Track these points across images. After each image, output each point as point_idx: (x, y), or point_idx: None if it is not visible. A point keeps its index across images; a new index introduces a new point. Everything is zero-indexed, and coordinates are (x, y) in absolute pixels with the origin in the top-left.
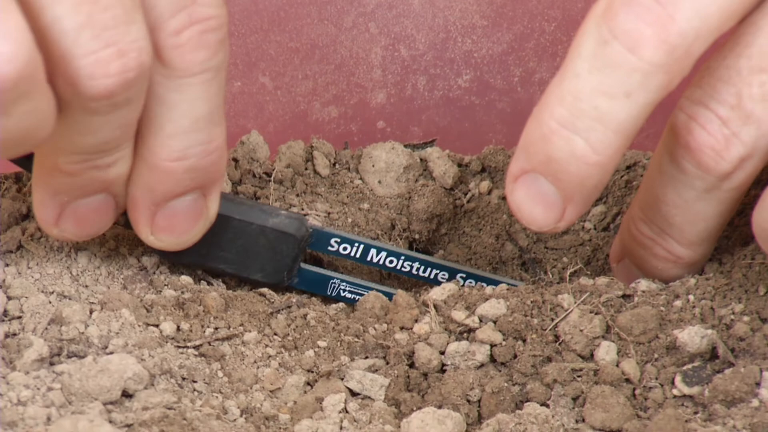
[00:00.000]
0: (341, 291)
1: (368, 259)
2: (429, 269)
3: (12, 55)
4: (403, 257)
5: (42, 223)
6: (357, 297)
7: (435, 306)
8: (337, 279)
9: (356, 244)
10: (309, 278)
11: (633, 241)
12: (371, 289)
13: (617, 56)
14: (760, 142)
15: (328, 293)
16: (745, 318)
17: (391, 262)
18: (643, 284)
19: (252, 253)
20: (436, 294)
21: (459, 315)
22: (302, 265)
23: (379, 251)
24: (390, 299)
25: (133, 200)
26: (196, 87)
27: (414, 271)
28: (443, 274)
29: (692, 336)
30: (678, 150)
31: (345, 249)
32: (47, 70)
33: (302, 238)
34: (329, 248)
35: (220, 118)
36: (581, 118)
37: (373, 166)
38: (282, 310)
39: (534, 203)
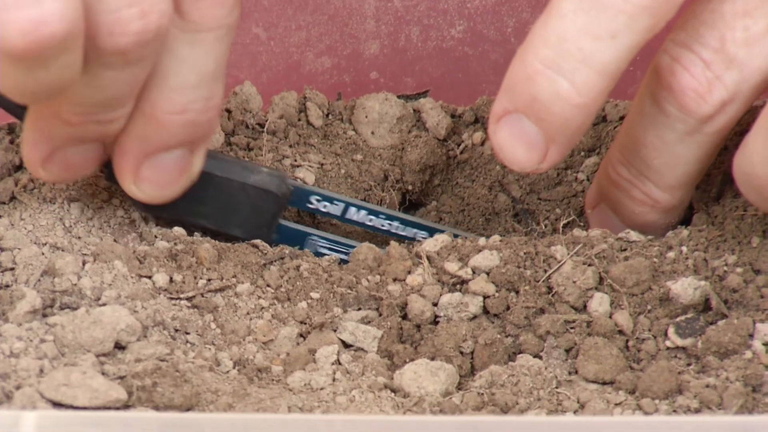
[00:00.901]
0: (318, 247)
1: (348, 216)
2: (409, 228)
3: (62, 13)
4: (383, 216)
5: (28, 163)
6: (335, 255)
7: (428, 257)
8: (316, 236)
9: (336, 202)
10: (288, 234)
11: (611, 185)
12: (351, 246)
13: None
14: (743, 86)
15: (307, 249)
16: (738, 269)
17: (370, 220)
18: (633, 235)
19: (232, 210)
20: (429, 245)
21: (452, 266)
22: (281, 221)
23: (359, 209)
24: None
25: (123, 148)
26: (209, 43)
27: (393, 230)
28: (423, 234)
29: (685, 287)
30: (660, 92)
31: (325, 206)
32: None
33: (282, 196)
34: (309, 205)
35: (222, 75)
36: (566, 59)
37: (366, 117)
38: (275, 261)
39: (516, 143)
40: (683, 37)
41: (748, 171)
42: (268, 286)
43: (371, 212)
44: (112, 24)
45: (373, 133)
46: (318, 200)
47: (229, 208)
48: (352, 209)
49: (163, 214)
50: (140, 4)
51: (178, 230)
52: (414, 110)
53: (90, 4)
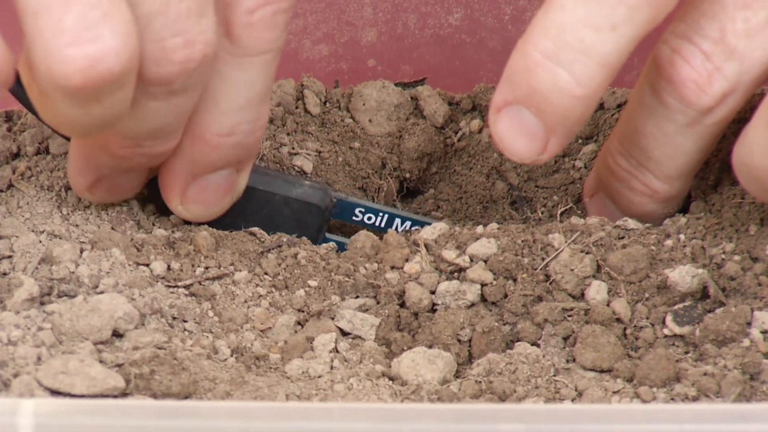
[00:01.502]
0: None
1: (393, 228)
2: None
3: (120, 50)
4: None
5: (74, 186)
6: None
7: (426, 245)
8: None
9: (381, 214)
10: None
11: (610, 174)
12: None
13: None
14: (743, 77)
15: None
16: (736, 257)
17: (417, 231)
18: (631, 223)
19: (276, 223)
20: (427, 233)
21: (450, 254)
22: (326, 234)
23: (404, 220)
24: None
25: (170, 170)
26: (258, 66)
27: None
28: None
29: (683, 275)
30: (660, 83)
31: (369, 219)
32: None
33: (326, 208)
34: (353, 218)
35: (268, 96)
36: (566, 51)
37: (363, 104)
38: (272, 249)
39: (517, 134)
40: (683, 28)
41: (747, 161)
42: (266, 273)
43: (415, 222)
44: (158, 53)
45: (370, 120)
46: (362, 212)
47: (272, 222)
48: (397, 221)
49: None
50: (186, 33)
51: (175, 218)
52: (411, 98)
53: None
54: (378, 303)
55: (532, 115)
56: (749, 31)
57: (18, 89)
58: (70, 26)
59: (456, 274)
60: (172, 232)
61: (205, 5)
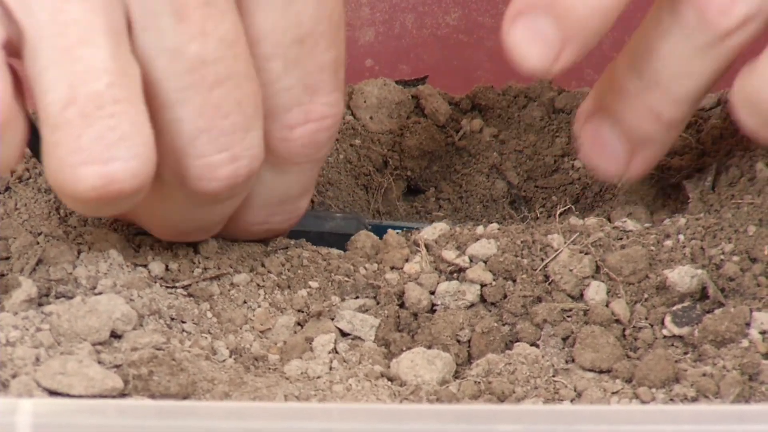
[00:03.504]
0: None
1: None
2: None
3: (135, 172)
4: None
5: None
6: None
7: (426, 245)
8: None
9: (413, 230)
10: None
11: (614, 93)
12: None
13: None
14: (765, 4)
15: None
16: (735, 258)
17: (417, 231)
18: (630, 224)
19: None
20: (427, 233)
21: (449, 255)
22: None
23: None
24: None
25: None
26: (294, 173)
27: None
28: None
29: (682, 276)
30: (681, 1)
31: None
32: (157, 159)
33: None
34: None
35: (309, 191)
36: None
37: (365, 102)
38: (278, 250)
39: (532, 41)
40: None
41: (754, 96)
42: (270, 272)
43: None
44: (202, 169)
45: (371, 118)
46: (397, 233)
47: None
48: None
49: None
50: (230, 149)
51: None
52: (412, 96)
53: (179, 148)
54: (378, 303)
55: (549, 22)
56: None
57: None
58: (87, 145)
59: (456, 274)
60: None
61: (251, 119)
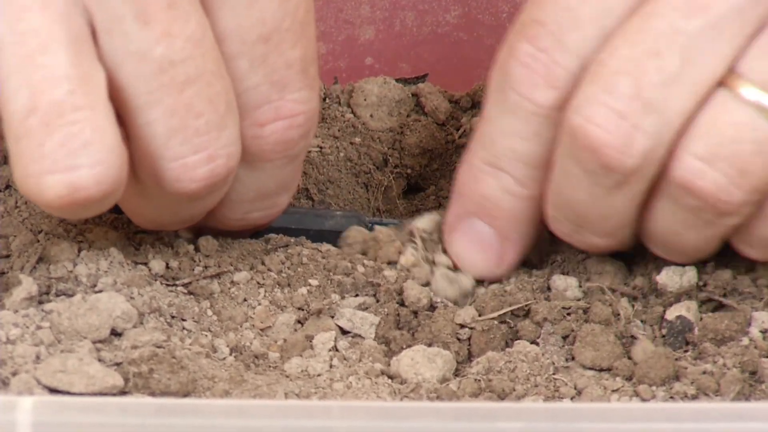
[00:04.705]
0: None
1: None
2: None
3: (100, 178)
4: None
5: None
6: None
7: (421, 237)
8: None
9: None
10: None
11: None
12: None
13: (514, 102)
14: (665, 130)
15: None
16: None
17: (410, 221)
18: None
19: None
20: (421, 223)
21: (443, 259)
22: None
23: None
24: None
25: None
26: (269, 170)
27: None
28: None
29: (671, 276)
30: (580, 153)
31: None
32: (133, 162)
33: None
34: None
35: (290, 185)
36: (502, 158)
37: (365, 99)
38: (278, 248)
39: (472, 248)
40: (593, 90)
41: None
42: (270, 270)
43: None
44: (179, 170)
45: (371, 115)
46: None
47: None
48: None
49: None
50: (206, 149)
51: None
52: (412, 94)
53: (154, 151)
54: (377, 301)
55: (485, 224)
56: (665, 80)
57: None
58: (50, 153)
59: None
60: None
61: (225, 116)
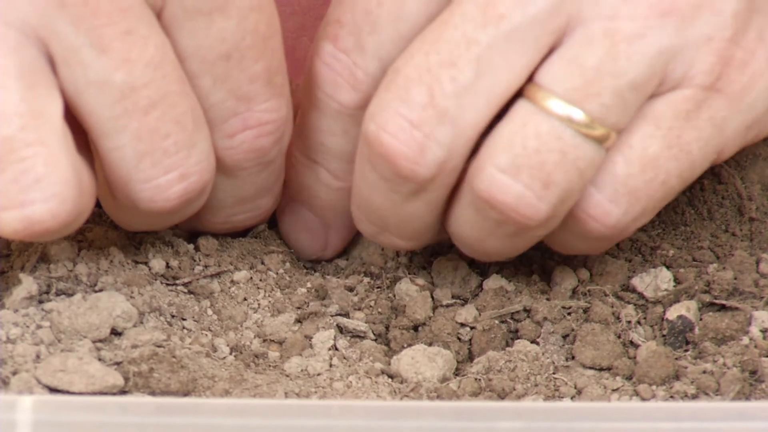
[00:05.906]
0: None
1: None
2: None
3: (55, 211)
4: None
5: None
6: None
7: None
8: None
9: None
10: None
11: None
12: None
13: (321, 101)
14: (457, 142)
15: None
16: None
17: None
18: None
19: None
20: None
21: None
22: None
23: None
24: None
25: None
26: (245, 177)
27: None
28: None
29: (642, 279)
30: (376, 160)
31: None
32: (108, 182)
33: None
34: None
35: (272, 187)
36: (317, 153)
37: None
38: (278, 250)
39: (299, 231)
40: (388, 98)
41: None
42: (269, 269)
43: None
44: (152, 192)
45: None
46: None
47: None
48: None
49: None
50: (178, 168)
51: None
52: None
53: (125, 175)
54: (378, 301)
55: (309, 211)
56: (458, 91)
57: None
58: (3, 190)
59: None
60: (171, 229)
61: (193, 134)
